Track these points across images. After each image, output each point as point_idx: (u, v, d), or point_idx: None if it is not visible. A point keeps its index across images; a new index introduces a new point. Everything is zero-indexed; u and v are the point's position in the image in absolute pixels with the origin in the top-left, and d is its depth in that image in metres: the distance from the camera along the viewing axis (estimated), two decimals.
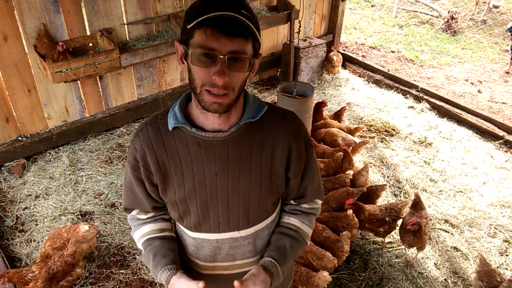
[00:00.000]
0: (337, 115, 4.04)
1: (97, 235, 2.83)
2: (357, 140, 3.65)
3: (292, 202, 1.37)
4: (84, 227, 2.59)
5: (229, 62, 0.99)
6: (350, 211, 2.67)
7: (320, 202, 1.38)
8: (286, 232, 1.33)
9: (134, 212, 1.35)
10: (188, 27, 1.00)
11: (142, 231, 1.34)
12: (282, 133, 1.19)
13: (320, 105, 3.91)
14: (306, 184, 1.30)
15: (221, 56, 0.98)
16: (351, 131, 3.78)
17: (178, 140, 1.16)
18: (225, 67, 0.99)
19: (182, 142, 1.15)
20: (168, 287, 1.22)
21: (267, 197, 1.24)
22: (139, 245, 1.35)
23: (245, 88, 1.14)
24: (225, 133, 1.14)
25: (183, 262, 1.35)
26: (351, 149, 3.36)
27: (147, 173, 1.20)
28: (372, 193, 3.01)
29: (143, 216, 1.35)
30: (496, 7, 7.24)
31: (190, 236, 1.31)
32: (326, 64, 5.11)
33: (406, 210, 2.84)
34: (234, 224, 1.25)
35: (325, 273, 2.31)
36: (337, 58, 5.03)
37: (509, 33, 5.67)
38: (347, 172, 3.05)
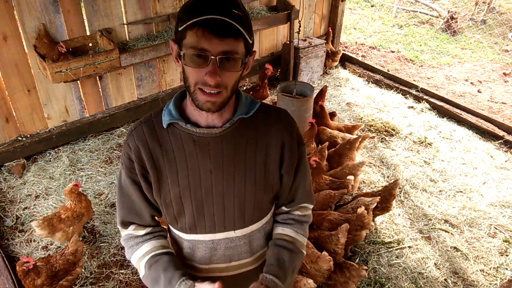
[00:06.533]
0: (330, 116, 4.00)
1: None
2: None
3: (284, 208, 1.36)
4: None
5: (221, 62, 1.01)
6: (361, 209, 2.59)
7: (311, 207, 1.38)
8: (283, 244, 1.31)
9: (131, 228, 1.28)
10: (180, 29, 1.02)
11: (143, 250, 1.26)
12: (275, 129, 1.21)
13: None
14: (297, 184, 1.30)
15: (212, 57, 1.00)
16: (349, 130, 3.77)
17: (173, 136, 1.17)
18: (217, 67, 1.01)
19: (176, 138, 1.17)
20: None
21: (262, 195, 1.24)
22: (141, 265, 1.25)
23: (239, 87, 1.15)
24: (219, 129, 1.15)
25: None
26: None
27: (143, 171, 1.19)
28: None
29: (141, 232, 1.28)
30: None
31: (185, 238, 1.29)
32: (328, 59, 5.25)
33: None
34: (230, 224, 1.25)
35: (310, 281, 2.27)
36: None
37: None
38: (347, 178, 3.04)
